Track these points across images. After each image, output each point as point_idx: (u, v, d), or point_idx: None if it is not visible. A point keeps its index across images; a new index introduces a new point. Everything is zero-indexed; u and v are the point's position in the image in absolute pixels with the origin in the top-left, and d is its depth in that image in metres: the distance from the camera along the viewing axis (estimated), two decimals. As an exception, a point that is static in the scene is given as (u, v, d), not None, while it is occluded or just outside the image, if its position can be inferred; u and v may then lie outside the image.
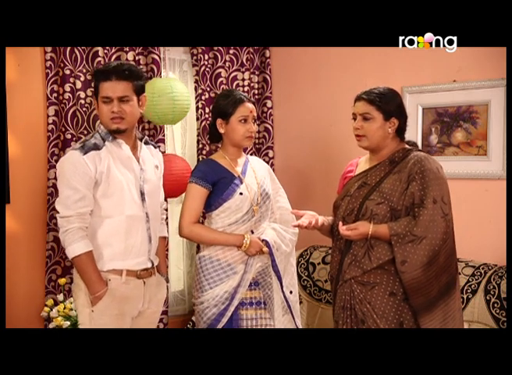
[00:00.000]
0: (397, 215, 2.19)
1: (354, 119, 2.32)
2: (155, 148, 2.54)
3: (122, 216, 2.29)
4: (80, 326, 2.29)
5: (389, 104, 2.27)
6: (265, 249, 2.52)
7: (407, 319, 2.16)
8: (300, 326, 2.71)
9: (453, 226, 2.24)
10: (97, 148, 2.27)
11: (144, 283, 2.36)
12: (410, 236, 2.12)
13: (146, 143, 2.47)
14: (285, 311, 2.62)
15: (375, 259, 2.18)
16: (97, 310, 2.24)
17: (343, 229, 2.20)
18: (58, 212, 2.26)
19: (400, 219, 2.17)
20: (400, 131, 2.31)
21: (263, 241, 2.53)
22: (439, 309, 2.15)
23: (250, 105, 2.57)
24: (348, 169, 2.47)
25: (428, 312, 2.13)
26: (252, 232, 2.56)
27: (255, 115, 2.60)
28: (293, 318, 2.63)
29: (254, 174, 2.63)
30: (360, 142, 2.32)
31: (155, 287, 2.43)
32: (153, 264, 2.40)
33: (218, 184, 2.52)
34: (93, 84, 2.37)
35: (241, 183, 2.56)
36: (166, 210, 2.99)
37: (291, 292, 2.64)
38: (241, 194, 2.53)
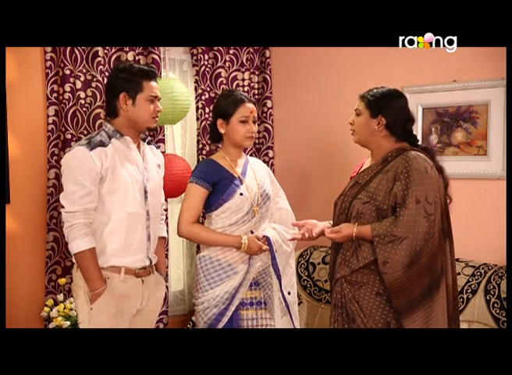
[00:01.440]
0: (384, 215, 2.17)
1: None
2: (157, 148, 2.56)
3: (123, 213, 2.30)
4: (80, 325, 2.29)
5: (378, 102, 2.25)
6: (265, 247, 2.52)
7: (395, 320, 2.14)
8: (299, 327, 2.70)
9: (450, 226, 2.24)
10: (103, 144, 2.28)
11: (143, 281, 2.36)
12: (390, 236, 2.10)
13: (148, 143, 2.49)
14: (283, 312, 2.62)
15: (361, 259, 2.17)
16: (96, 308, 2.25)
17: (327, 232, 2.24)
18: (63, 207, 2.26)
19: (384, 220, 2.15)
20: (393, 131, 2.25)
21: (264, 237, 2.54)
22: (422, 311, 2.11)
23: (250, 106, 2.57)
24: (355, 170, 2.46)
25: (409, 313, 2.10)
26: (252, 232, 2.56)
27: (256, 115, 2.60)
28: (292, 319, 2.63)
29: (254, 175, 2.63)
30: (353, 137, 2.34)
31: (154, 286, 2.43)
32: (151, 262, 2.41)
33: (219, 185, 2.52)
34: (125, 82, 2.31)
35: (241, 183, 2.56)
36: (166, 210, 3.00)
37: (289, 293, 2.64)
38: (241, 194, 2.53)
